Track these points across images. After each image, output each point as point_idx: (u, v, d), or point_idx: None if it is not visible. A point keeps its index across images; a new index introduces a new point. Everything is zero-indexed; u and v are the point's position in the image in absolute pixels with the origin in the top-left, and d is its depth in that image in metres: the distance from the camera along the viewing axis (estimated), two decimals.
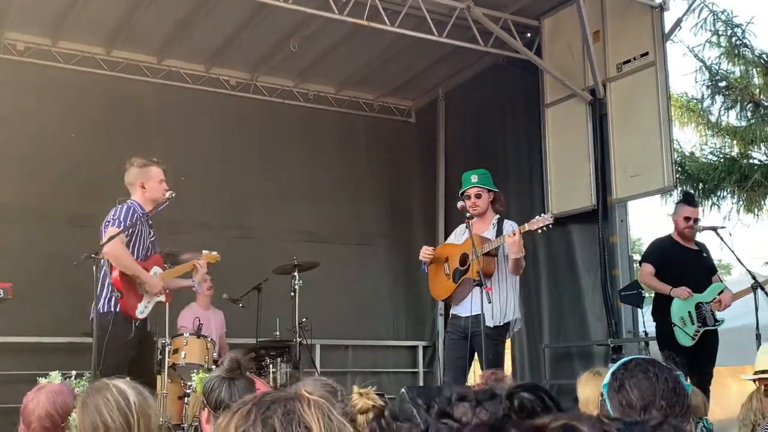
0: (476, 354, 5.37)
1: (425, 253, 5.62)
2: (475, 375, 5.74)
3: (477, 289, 5.08)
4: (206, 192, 8.68)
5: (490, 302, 5.03)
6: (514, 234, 5.15)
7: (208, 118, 9.18)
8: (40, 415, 2.67)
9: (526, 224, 5.20)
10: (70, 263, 5.01)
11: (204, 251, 5.66)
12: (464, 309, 5.35)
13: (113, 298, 4.94)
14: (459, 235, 5.69)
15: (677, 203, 6.49)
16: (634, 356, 2.01)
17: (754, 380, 3.57)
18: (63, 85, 8.45)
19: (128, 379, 2.45)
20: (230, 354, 2.72)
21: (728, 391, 6.63)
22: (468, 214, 5.29)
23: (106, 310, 4.95)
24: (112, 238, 4.85)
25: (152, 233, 5.30)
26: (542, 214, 5.27)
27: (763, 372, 3.40)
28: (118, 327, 4.89)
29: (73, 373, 3.01)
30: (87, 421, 2.30)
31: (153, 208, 5.18)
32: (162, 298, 5.25)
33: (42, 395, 2.71)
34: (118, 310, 4.95)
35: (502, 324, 5.35)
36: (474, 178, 5.53)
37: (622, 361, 2.01)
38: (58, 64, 8.52)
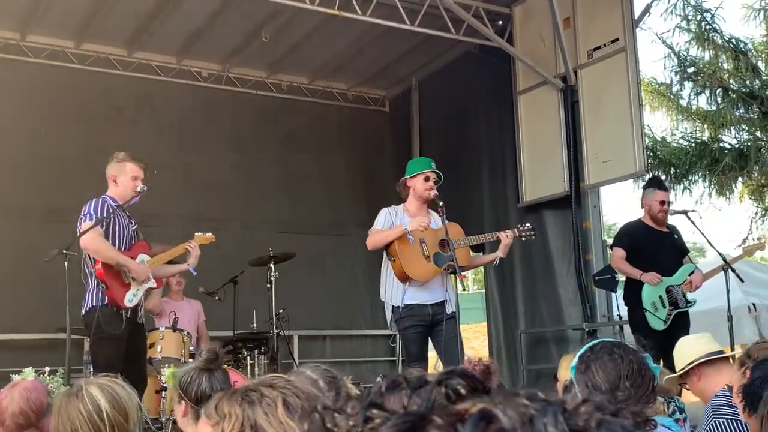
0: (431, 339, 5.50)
1: (422, 222, 5.36)
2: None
3: (443, 277, 5.40)
4: (179, 184, 8.62)
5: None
6: (508, 236, 5.57)
7: (180, 110, 9.11)
8: (14, 412, 2.65)
9: (515, 229, 5.74)
10: (43, 259, 4.99)
11: (197, 233, 5.67)
12: (432, 296, 5.41)
13: (100, 291, 4.95)
14: (393, 219, 5.58)
15: (647, 188, 6.47)
16: (601, 339, 2.05)
17: (680, 379, 3.53)
18: (32, 80, 8.35)
19: (117, 376, 2.42)
20: (208, 346, 2.72)
21: None
22: (441, 203, 5.33)
23: (92, 306, 4.97)
24: (86, 231, 4.84)
25: (134, 223, 5.30)
26: (525, 224, 5.89)
27: (691, 363, 3.44)
28: (107, 321, 4.91)
29: (47, 369, 2.99)
30: (60, 430, 2.30)
31: (125, 202, 5.18)
32: (152, 284, 5.27)
33: (15, 392, 2.69)
34: (105, 302, 4.96)
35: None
36: (434, 165, 5.58)
37: (589, 344, 2.04)
38: (27, 58, 8.41)
